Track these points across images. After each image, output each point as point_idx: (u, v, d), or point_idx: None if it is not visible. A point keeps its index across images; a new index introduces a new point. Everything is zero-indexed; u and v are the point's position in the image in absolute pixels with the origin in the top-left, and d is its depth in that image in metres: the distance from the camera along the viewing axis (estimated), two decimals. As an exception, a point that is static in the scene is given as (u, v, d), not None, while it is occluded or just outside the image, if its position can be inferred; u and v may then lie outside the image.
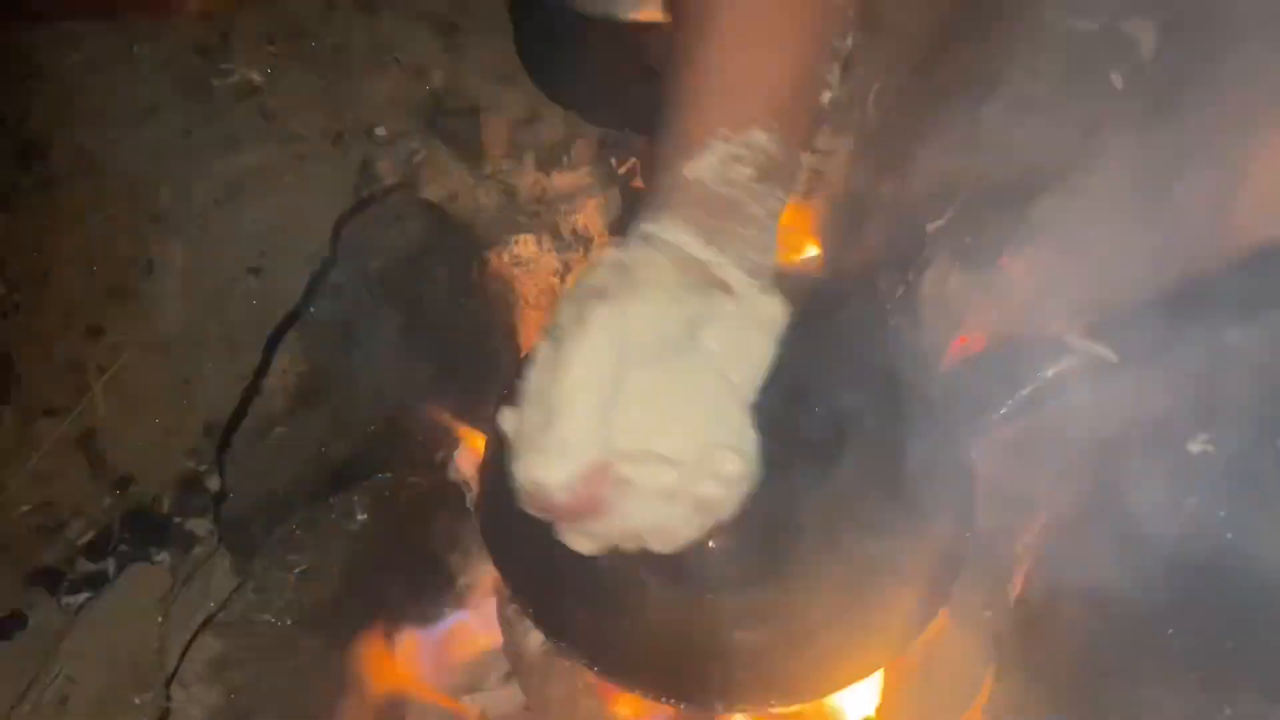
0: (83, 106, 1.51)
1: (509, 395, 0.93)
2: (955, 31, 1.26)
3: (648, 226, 0.67)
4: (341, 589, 0.90)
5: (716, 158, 0.67)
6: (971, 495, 0.84)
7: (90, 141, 1.49)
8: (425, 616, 0.97)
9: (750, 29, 0.71)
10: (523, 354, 1.10)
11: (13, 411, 1.32)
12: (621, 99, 1.41)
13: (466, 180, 1.41)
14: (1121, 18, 1.14)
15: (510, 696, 0.98)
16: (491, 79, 1.49)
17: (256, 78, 1.54)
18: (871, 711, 0.93)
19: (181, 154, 1.49)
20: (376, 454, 0.96)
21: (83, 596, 1.19)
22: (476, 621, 1.00)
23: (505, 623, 0.97)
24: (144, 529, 1.24)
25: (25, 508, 1.26)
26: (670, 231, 0.66)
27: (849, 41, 0.84)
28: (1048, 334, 0.85)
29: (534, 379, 0.66)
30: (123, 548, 1.23)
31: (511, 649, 0.96)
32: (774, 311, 0.68)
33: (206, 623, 0.87)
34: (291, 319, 0.97)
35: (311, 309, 0.94)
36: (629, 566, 0.90)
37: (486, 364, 1.07)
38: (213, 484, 1.25)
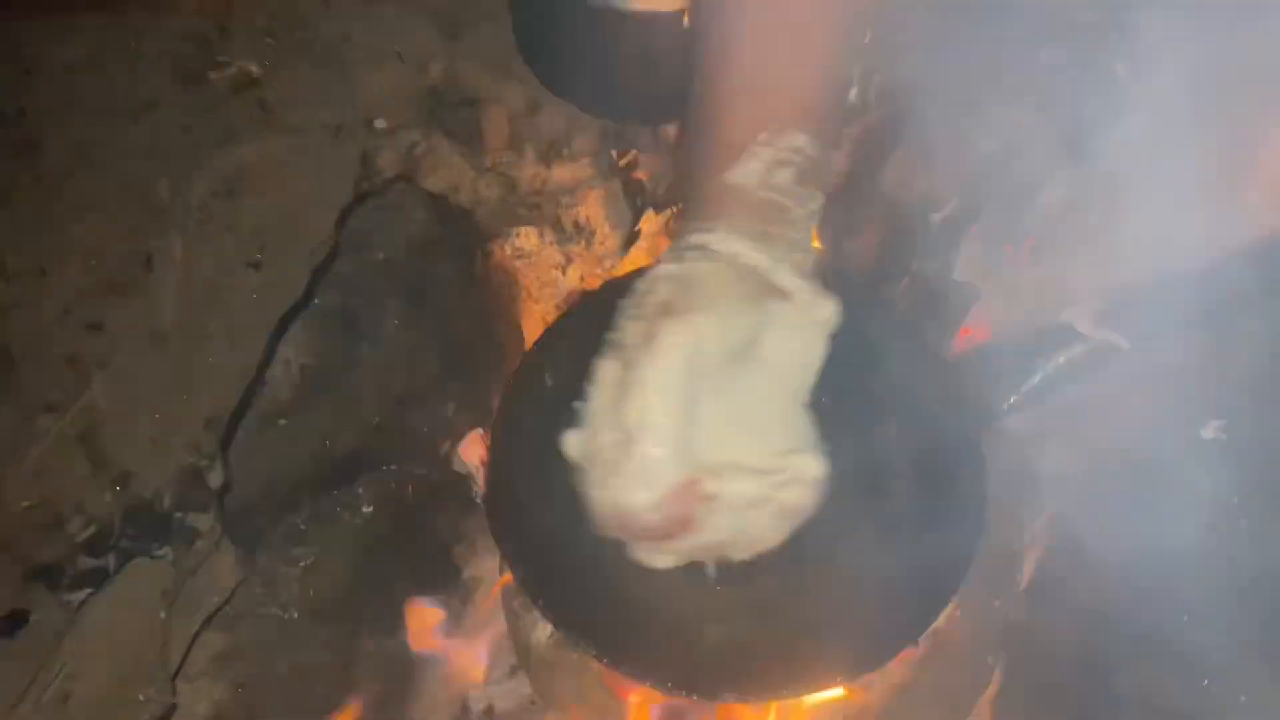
0: (80, 100, 1.50)
1: (511, 388, 0.93)
2: (958, 24, 1.25)
3: (700, 237, 0.67)
4: (347, 582, 0.89)
5: (760, 163, 0.67)
6: (983, 484, 0.84)
7: (88, 135, 1.48)
8: (431, 609, 0.97)
9: (783, 27, 0.70)
10: (528, 346, 1.09)
11: (11, 407, 1.31)
12: (622, 90, 1.41)
13: (467, 172, 1.40)
14: (1124, 7, 1.13)
15: (517, 689, 0.97)
16: (492, 71, 1.48)
17: (255, 70, 1.53)
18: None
19: (180, 147, 1.48)
20: (381, 446, 0.96)
21: (84, 593, 1.18)
22: (482, 614, 0.99)
23: (511, 615, 0.97)
24: (145, 524, 1.23)
25: (25, 504, 1.25)
26: (723, 241, 0.67)
27: (868, 37, 0.84)
28: (1057, 322, 0.84)
29: (600, 400, 0.67)
30: (124, 543, 1.22)
31: (518, 641, 0.96)
32: (829, 312, 0.69)
33: (212, 616, 0.86)
34: (296, 309, 0.96)
35: (316, 299, 0.94)
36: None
37: (492, 356, 1.06)
38: (214, 479, 1.24)
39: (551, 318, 1.20)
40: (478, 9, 1.53)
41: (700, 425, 0.65)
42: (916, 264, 1.10)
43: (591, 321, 0.97)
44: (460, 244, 1.05)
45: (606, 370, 0.67)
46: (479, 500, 1.00)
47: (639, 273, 1.03)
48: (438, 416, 1.00)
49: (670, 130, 1.40)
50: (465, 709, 0.96)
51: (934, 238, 1.12)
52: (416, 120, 1.46)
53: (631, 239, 1.30)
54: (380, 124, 1.48)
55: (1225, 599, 0.77)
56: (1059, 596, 0.89)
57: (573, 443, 0.69)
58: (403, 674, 0.94)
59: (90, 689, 1.04)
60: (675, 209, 1.29)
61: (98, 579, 1.18)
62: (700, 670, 0.83)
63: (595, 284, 1.25)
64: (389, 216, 1.00)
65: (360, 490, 0.92)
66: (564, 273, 1.30)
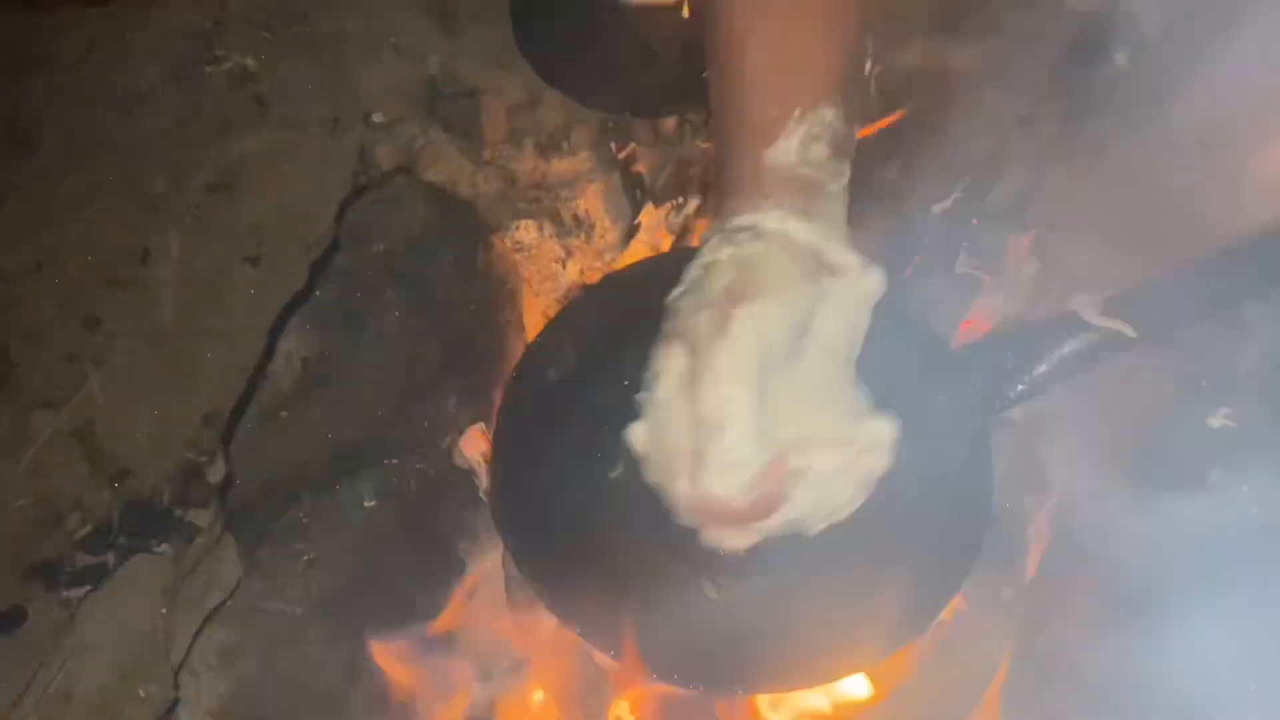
0: (75, 95, 1.49)
1: (514, 382, 0.93)
2: (956, 14, 1.25)
3: (747, 217, 0.68)
4: (350, 576, 0.89)
5: (796, 139, 0.68)
6: (990, 474, 0.83)
7: (83, 130, 1.47)
8: (434, 603, 0.96)
9: (805, 3, 0.70)
10: (529, 340, 1.09)
11: (8, 404, 1.30)
12: (621, 83, 1.40)
13: (465, 166, 1.40)
14: (1124, -2, 1.13)
15: (520, 683, 0.97)
16: (490, 64, 1.47)
17: (251, 64, 1.52)
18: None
19: (176, 142, 1.47)
20: (383, 439, 0.95)
21: (83, 590, 1.17)
22: (485, 608, 0.99)
23: (515, 609, 0.96)
24: (144, 521, 1.22)
25: (22, 501, 1.24)
26: (774, 220, 0.67)
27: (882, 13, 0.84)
28: (1064, 311, 0.84)
29: (667, 390, 0.67)
30: (123, 540, 1.21)
31: (522, 635, 0.95)
32: (877, 284, 0.69)
33: (215, 611, 0.86)
34: (296, 303, 0.95)
35: (316, 293, 0.93)
36: (644, 549, 0.90)
37: (492, 349, 1.05)
38: (213, 475, 1.24)
39: (552, 311, 1.20)
40: (475, 2, 1.52)
41: (774, 405, 0.66)
42: (919, 255, 1.09)
43: (593, 315, 0.98)
44: (460, 237, 1.04)
45: (671, 360, 0.67)
46: (481, 494, 1.00)
47: (664, 260, 1.03)
48: (439, 410, 0.99)
49: (669, 123, 1.39)
50: (469, 704, 0.96)
51: (936, 229, 1.11)
52: (414, 114, 1.46)
53: (631, 232, 1.30)
54: (378, 118, 1.47)
55: (1232, 588, 0.77)
56: (1066, 586, 0.89)
57: (639, 435, 0.70)
58: (405, 668, 0.93)
59: (91, 686, 1.04)
60: (676, 202, 1.28)
61: (97, 576, 1.18)
62: (706, 663, 0.82)
63: (595, 278, 1.24)
64: (388, 209, 0.99)
65: (362, 484, 0.92)
66: (564, 266, 1.30)
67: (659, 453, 0.69)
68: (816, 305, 0.67)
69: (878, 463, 0.69)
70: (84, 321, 1.36)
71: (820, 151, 0.68)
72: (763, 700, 0.90)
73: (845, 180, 0.71)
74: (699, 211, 1.29)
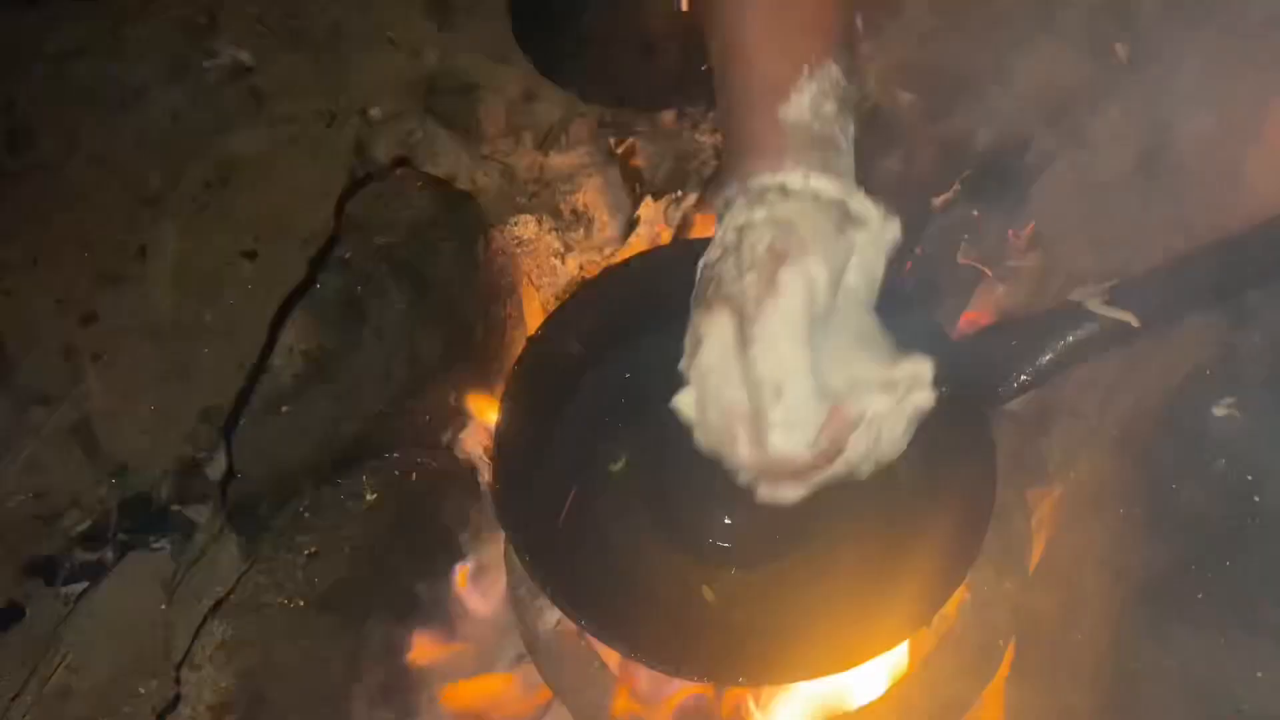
0: (71, 90, 1.48)
1: (516, 375, 0.92)
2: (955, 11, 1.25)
3: (772, 177, 0.68)
4: (352, 570, 0.88)
5: (809, 96, 0.69)
6: (993, 466, 0.83)
7: (79, 125, 1.47)
8: (436, 597, 0.96)
9: None
10: (530, 333, 1.08)
11: (5, 400, 1.30)
12: (620, 77, 1.40)
13: (464, 161, 1.40)
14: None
15: (523, 677, 0.96)
16: (487, 58, 1.47)
17: (247, 59, 1.52)
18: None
19: (172, 137, 1.47)
20: (385, 433, 0.95)
21: (81, 586, 1.17)
22: (488, 602, 0.99)
23: (517, 603, 0.96)
24: (142, 517, 1.22)
25: (20, 497, 1.24)
26: (798, 178, 0.68)
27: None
28: (1067, 301, 0.84)
29: (714, 355, 0.68)
30: (121, 536, 1.21)
31: (525, 629, 0.95)
32: (896, 231, 0.70)
33: (217, 606, 0.85)
34: (297, 295, 0.95)
35: (317, 285, 0.92)
36: (646, 541, 0.90)
37: (494, 342, 1.05)
38: (211, 470, 1.23)
39: (552, 305, 1.20)
40: (472, -6, 1.52)
41: (824, 357, 0.67)
42: (920, 248, 1.09)
43: (594, 309, 0.98)
44: (462, 230, 1.04)
45: (716, 324, 0.67)
46: (483, 487, 0.99)
47: (664, 253, 1.02)
48: (440, 403, 0.99)
49: (668, 117, 1.39)
50: (472, 697, 0.96)
51: (937, 221, 1.11)
52: (411, 108, 1.45)
53: (631, 226, 1.30)
54: (375, 112, 1.47)
55: (1238, 577, 0.77)
56: (1070, 576, 0.89)
57: (686, 401, 0.71)
58: (408, 662, 0.93)
59: (91, 681, 1.03)
60: (675, 195, 1.28)
61: (95, 572, 1.17)
62: (710, 655, 0.82)
63: (595, 272, 1.24)
64: (389, 201, 0.99)
65: (364, 477, 0.92)
66: (563, 261, 1.29)
67: (714, 418, 0.69)
68: (849, 257, 0.68)
69: (924, 399, 0.70)
70: (81, 317, 1.35)
71: (831, 107, 0.69)
72: (765, 693, 0.90)
73: (851, 132, 0.72)
74: (698, 205, 1.28)
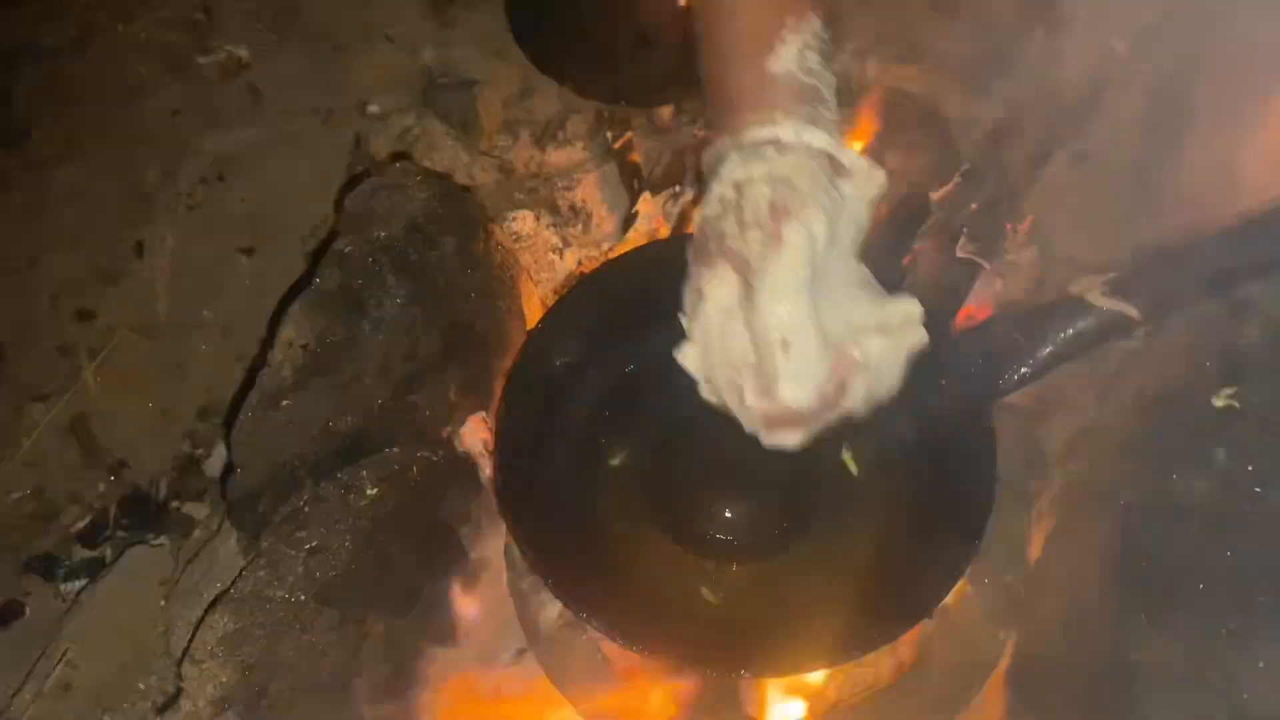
0: (67, 86, 1.48)
1: (516, 369, 0.92)
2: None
3: (763, 130, 0.69)
4: (353, 564, 0.88)
5: (794, 48, 0.70)
6: (992, 460, 0.83)
7: (76, 122, 1.46)
8: (437, 591, 0.96)
9: None
10: (529, 328, 1.08)
11: (2, 397, 1.30)
12: (617, 72, 1.40)
13: (461, 157, 1.39)
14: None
15: (525, 671, 0.96)
16: (484, 54, 1.47)
17: (244, 55, 1.52)
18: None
19: (169, 133, 1.46)
20: (384, 427, 0.94)
21: (80, 583, 1.17)
22: (489, 596, 0.98)
23: (519, 596, 0.96)
24: (141, 513, 1.22)
25: (18, 495, 1.24)
26: (790, 131, 0.69)
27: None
28: (1067, 293, 0.84)
29: (717, 310, 0.69)
30: (120, 533, 1.21)
31: (526, 622, 0.95)
32: (882, 182, 0.72)
33: (218, 600, 0.85)
34: (296, 290, 0.94)
35: (316, 279, 0.92)
36: (647, 535, 0.90)
37: (493, 337, 1.05)
38: (209, 467, 1.23)
39: (551, 300, 1.20)
40: (469, -9, 1.52)
41: (823, 304, 0.68)
42: (919, 242, 1.09)
43: (593, 304, 0.98)
44: (461, 224, 1.03)
45: (720, 280, 0.69)
46: (484, 481, 0.99)
47: (662, 248, 1.03)
48: (440, 397, 0.99)
49: (665, 112, 1.39)
50: (473, 691, 0.96)
51: (935, 215, 1.11)
52: (409, 104, 1.45)
53: (629, 221, 1.29)
54: (372, 108, 1.47)
55: (1239, 567, 0.77)
56: (1070, 567, 0.89)
57: (691, 357, 0.72)
58: (410, 656, 0.93)
59: (91, 677, 1.03)
60: (673, 190, 1.28)
61: (94, 569, 1.17)
62: (712, 647, 0.82)
63: (594, 266, 1.24)
64: (388, 195, 0.99)
65: (364, 472, 0.91)
66: (561, 256, 1.29)
67: (720, 371, 0.71)
68: (840, 208, 0.69)
69: (916, 337, 0.72)
70: (77, 314, 1.35)
71: (814, 58, 0.71)
72: (767, 685, 0.90)
73: (834, 84, 0.73)
74: (696, 200, 1.28)
